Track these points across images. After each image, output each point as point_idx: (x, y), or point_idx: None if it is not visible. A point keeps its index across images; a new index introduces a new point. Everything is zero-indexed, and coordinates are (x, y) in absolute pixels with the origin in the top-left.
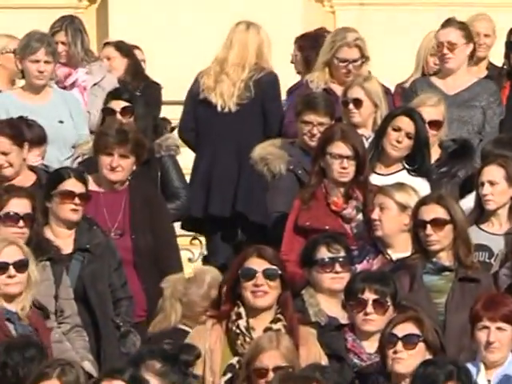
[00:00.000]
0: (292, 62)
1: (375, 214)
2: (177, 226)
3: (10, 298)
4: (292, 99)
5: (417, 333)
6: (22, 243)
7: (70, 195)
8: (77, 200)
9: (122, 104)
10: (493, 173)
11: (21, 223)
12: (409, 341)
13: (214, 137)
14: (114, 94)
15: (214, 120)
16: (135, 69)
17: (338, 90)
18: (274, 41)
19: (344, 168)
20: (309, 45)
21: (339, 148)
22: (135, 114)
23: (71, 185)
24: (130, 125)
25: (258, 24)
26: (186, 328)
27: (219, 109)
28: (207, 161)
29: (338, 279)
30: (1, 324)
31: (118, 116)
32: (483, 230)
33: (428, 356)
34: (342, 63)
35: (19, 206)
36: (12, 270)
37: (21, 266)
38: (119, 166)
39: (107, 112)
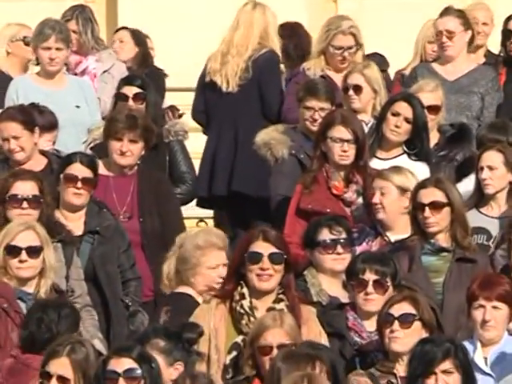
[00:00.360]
0: None
1: (376, 198)
2: (186, 207)
3: (23, 281)
4: (290, 86)
5: (412, 312)
6: (41, 229)
7: (73, 179)
8: (79, 184)
9: (135, 90)
10: (492, 158)
11: (24, 204)
12: (404, 320)
13: (220, 118)
14: (126, 80)
15: (219, 101)
16: (143, 58)
17: (335, 76)
18: None
19: (344, 151)
20: (287, 34)
21: (340, 132)
22: (147, 100)
23: (75, 169)
24: (139, 110)
25: (264, 4)
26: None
27: (224, 90)
28: (213, 142)
29: (339, 260)
30: (12, 302)
31: (130, 102)
32: (482, 214)
33: (424, 334)
34: (337, 50)
35: (23, 188)
36: (24, 255)
37: (34, 251)
38: (128, 151)
39: (120, 97)
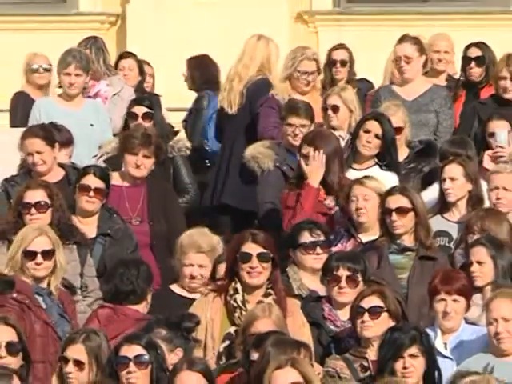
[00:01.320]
0: (185, 81)
1: (361, 204)
2: None
3: (39, 279)
4: (263, 110)
5: (380, 305)
6: (52, 233)
7: (86, 189)
8: (92, 193)
9: (144, 110)
10: (453, 170)
11: (33, 210)
12: (374, 311)
13: (225, 138)
14: (136, 101)
15: (226, 123)
16: (141, 85)
17: (300, 98)
18: None
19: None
20: (194, 64)
21: (306, 149)
22: (154, 118)
23: (89, 180)
24: (152, 130)
25: (268, 37)
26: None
27: (229, 113)
28: (218, 158)
29: (318, 259)
30: (32, 297)
31: (140, 120)
32: (445, 219)
33: (391, 323)
34: (303, 75)
35: (32, 196)
36: (40, 258)
37: (47, 254)
38: (142, 165)
39: (131, 116)
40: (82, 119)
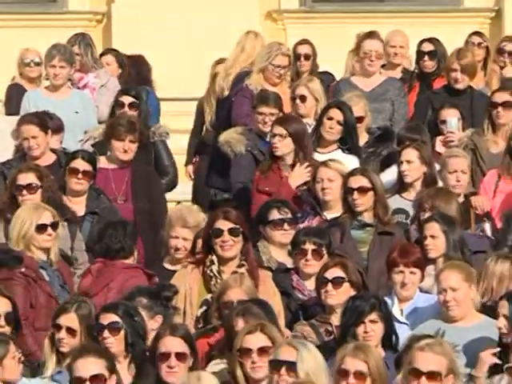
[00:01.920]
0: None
1: (326, 184)
2: None
3: (46, 250)
4: (237, 99)
5: (342, 275)
6: (48, 207)
7: (75, 171)
8: (80, 175)
9: (130, 99)
10: (410, 154)
11: (24, 192)
12: (336, 282)
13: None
14: (124, 91)
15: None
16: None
17: (271, 89)
18: None
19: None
20: (131, 63)
21: (277, 129)
22: (140, 108)
23: (77, 163)
24: (136, 117)
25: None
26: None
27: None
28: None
29: (286, 235)
30: (37, 272)
31: (126, 108)
32: (402, 198)
33: (353, 292)
34: (276, 68)
35: (23, 178)
36: (50, 230)
37: (54, 225)
38: (129, 149)
39: (118, 104)
40: (67, 108)
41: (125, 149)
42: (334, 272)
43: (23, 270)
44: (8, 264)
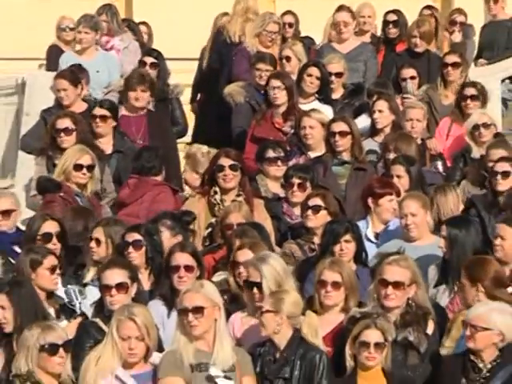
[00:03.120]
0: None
1: (308, 131)
2: None
3: (81, 186)
4: (237, 58)
5: (320, 204)
6: (92, 153)
7: (94, 117)
8: (97, 120)
9: (151, 60)
10: (381, 104)
11: (62, 134)
12: (314, 209)
13: None
14: (146, 53)
15: None
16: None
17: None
18: None
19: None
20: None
21: (273, 83)
22: (160, 67)
23: (96, 110)
24: (147, 72)
25: None
26: None
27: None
28: None
29: (279, 170)
30: (72, 196)
31: (147, 67)
32: (374, 141)
33: (329, 218)
34: (269, 34)
35: (61, 123)
36: (85, 170)
37: (91, 168)
38: (141, 97)
39: (141, 63)
40: (91, 67)
41: (136, 97)
42: (315, 201)
43: (62, 194)
44: (50, 189)
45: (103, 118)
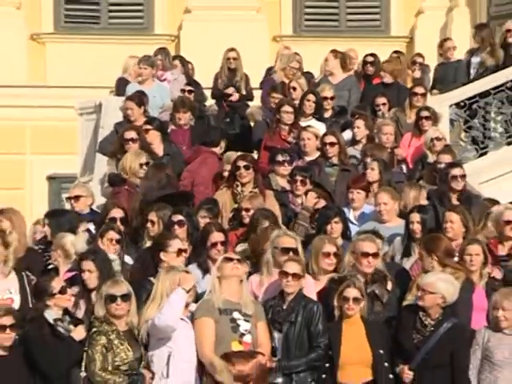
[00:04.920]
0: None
1: (306, 142)
2: None
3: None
4: (264, 87)
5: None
6: (146, 154)
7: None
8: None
9: (189, 88)
10: (359, 122)
11: (129, 142)
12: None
13: None
14: (186, 84)
15: None
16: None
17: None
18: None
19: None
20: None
21: (285, 107)
22: (194, 92)
23: (147, 126)
24: (188, 98)
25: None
26: None
27: None
28: None
29: (286, 169)
30: (134, 188)
31: (186, 93)
32: (355, 149)
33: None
34: (292, 69)
35: (128, 134)
36: (144, 166)
37: (147, 164)
38: (182, 117)
39: (182, 91)
40: (149, 93)
41: (179, 117)
42: (312, 195)
43: (126, 187)
44: (117, 183)
45: (148, 130)
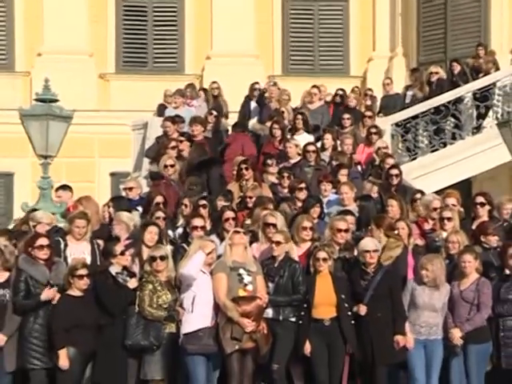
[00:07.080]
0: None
1: (289, 149)
2: None
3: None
4: (263, 110)
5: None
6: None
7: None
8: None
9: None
10: (327, 136)
11: (167, 150)
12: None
13: None
14: (211, 108)
15: None
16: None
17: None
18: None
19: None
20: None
21: (275, 126)
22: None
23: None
24: (201, 117)
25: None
26: None
27: None
28: None
29: (273, 169)
30: (170, 181)
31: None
32: (324, 154)
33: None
34: (284, 100)
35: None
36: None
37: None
38: (196, 129)
39: (207, 113)
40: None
41: (192, 129)
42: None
43: (164, 181)
44: (156, 178)
45: (182, 141)
